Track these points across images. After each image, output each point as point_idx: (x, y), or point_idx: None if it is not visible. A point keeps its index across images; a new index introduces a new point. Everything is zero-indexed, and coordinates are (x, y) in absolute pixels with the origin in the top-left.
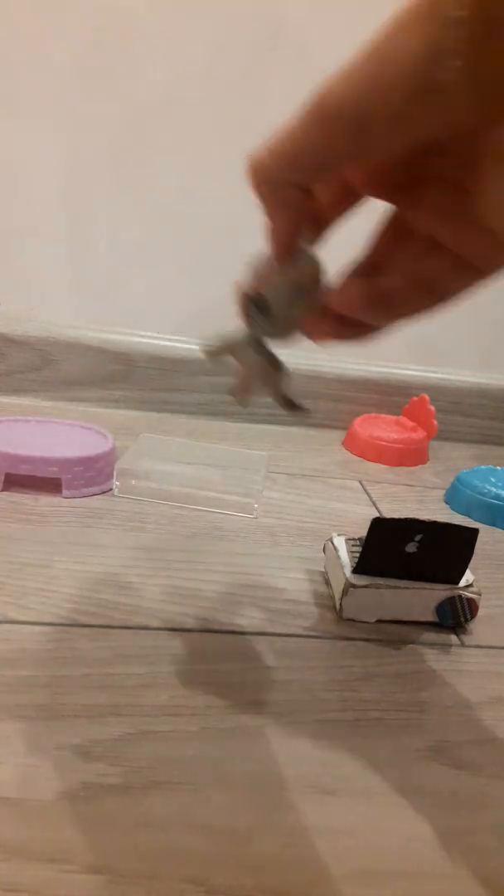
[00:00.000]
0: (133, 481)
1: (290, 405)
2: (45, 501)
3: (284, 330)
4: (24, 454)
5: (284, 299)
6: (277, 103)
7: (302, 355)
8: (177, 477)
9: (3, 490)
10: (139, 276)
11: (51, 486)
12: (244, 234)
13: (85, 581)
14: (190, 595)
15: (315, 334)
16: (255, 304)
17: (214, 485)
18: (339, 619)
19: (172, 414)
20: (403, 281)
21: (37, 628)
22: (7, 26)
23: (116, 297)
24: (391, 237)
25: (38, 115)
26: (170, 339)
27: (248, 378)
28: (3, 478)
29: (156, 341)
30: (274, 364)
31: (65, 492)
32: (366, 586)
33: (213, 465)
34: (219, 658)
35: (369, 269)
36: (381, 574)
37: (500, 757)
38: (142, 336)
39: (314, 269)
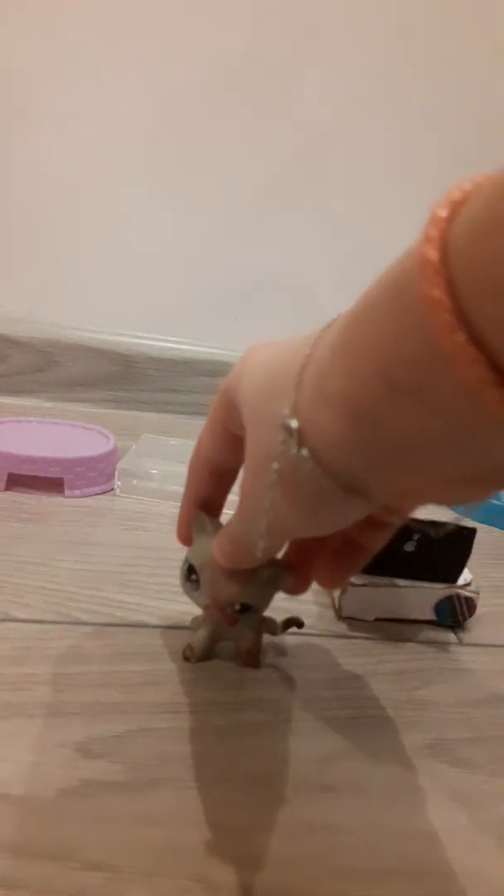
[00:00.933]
0: (134, 481)
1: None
2: (48, 501)
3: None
4: (27, 454)
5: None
6: None
7: None
8: (178, 477)
9: (5, 490)
10: (140, 276)
11: (53, 485)
12: (246, 235)
13: (87, 579)
14: None
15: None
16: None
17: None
18: (338, 618)
19: (173, 414)
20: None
21: (38, 626)
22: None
23: (117, 297)
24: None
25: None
26: (171, 341)
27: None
28: (5, 478)
29: (157, 342)
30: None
31: (67, 491)
32: (364, 585)
33: None
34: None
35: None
36: (380, 573)
37: (498, 755)
38: (143, 337)
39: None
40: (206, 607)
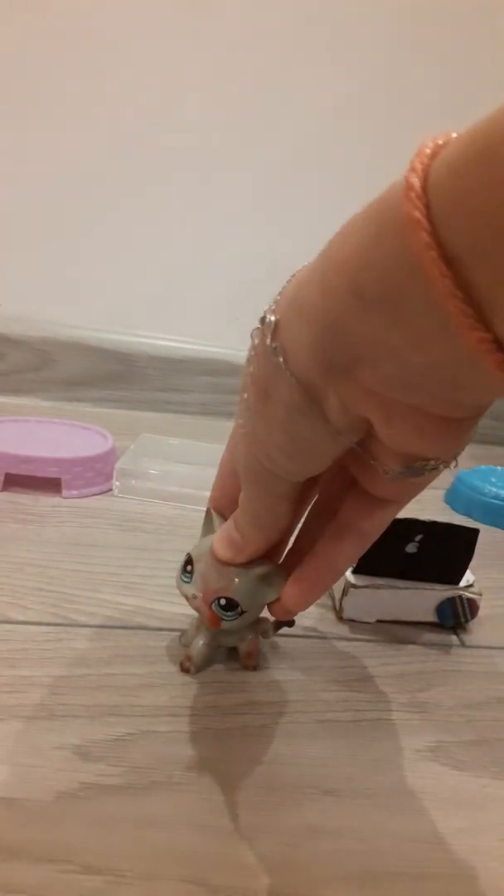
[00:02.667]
0: (133, 481)
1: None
2: (45, 501)
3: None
4: (24, 454)
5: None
6: None
7: None
8: (177, 477)
9: (2, 490)
10: (139, 275)
11: (51, 486)
12: (247, 234)
13: (85, 581)
14: None
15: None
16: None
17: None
18: (339, 620)
19: (173, 414)
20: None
21: (36, 628)
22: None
23: (116, 296)
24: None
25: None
26: (170, 339)
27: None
28: (2, 478)
29: (156, 341)
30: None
31: (65, 492)
32: (366, 586)
33: (213, 465)
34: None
35: (297, 555)
36: (381, 574)
37: (500, 757)
38: (142, 336)
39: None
40: (192, 598)
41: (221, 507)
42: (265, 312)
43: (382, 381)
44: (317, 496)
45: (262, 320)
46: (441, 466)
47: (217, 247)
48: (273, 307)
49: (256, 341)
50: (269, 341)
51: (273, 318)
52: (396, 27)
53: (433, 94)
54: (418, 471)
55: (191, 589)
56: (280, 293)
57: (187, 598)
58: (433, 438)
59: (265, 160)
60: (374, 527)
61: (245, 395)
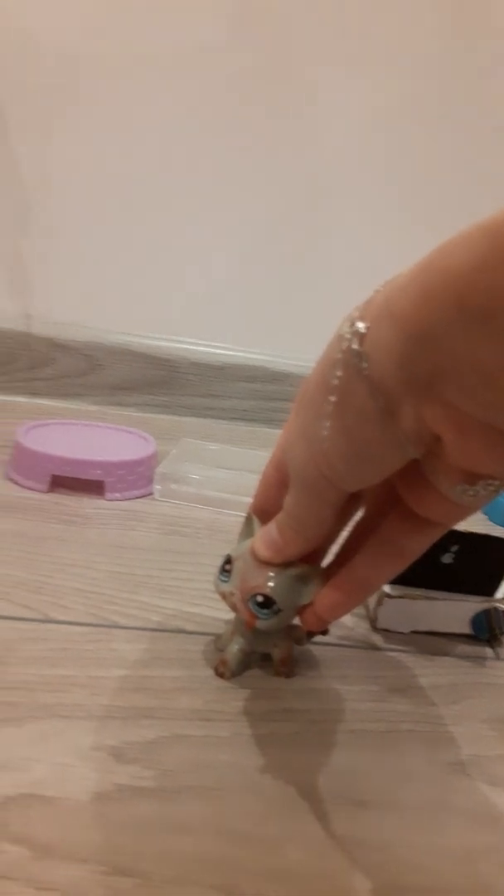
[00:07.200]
0: (173, 485)
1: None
2: (89, 503)
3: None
4: (70, 457)
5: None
6: None
7: None
8: (216, 482)
9: (49, 491)
10: (183, 283)
11: (94, 488)
12: (288, 241)
13: (125, 583)
14: None
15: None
16: (260, 605)
17: (253, 491)
18: (374, 629)
19: (214, 419)
20: (376, 559)
21: (76, 628)
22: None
23: (160, 303)
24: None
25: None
26: (212, 346)
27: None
28: (49, 479)
29: (198, 347)
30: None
31: (107, 494)
32: (400, 597)
33: (252, 471)
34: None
35: (339, 567)
36: (416, 584)
37: None
38: (184, 342)
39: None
40: (229, 594)
41: (262, 512)
42: (353, 318)
43: (464, 397)
44: (362, 512)
45: (350, 325)
46: (501, 488)
47: (260, 253)
48: (360, 314)
49: (342, 345)
50: (355, 346)
51: (363, 325)
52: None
53: None
54: (478, 490)
55: (228, 587)
56: (368, 300)
57: (224, 597)
58: (502, 457)
59: (308, 166)
60: (414, 547)
61: (306, 398)
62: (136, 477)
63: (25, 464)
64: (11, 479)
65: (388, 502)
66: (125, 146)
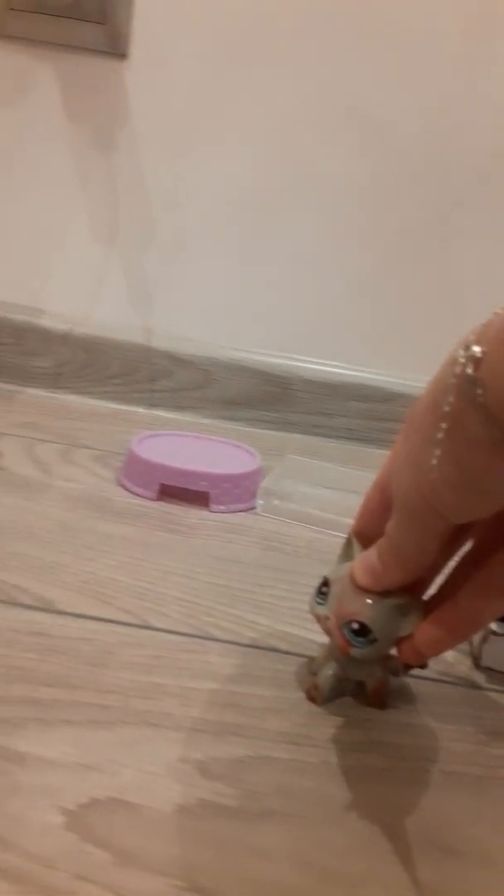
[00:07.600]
0: (276, 501)
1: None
2: (194, 514)
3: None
4: (179, 467)
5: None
6: None
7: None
8: (318, 501)
9: (157, 499)
10: (297, 302)
11: (200, 499)
12: (406, 262)
13: (222, 595)
14: None
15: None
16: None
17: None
18: (476, 667)
19: (322, 437)
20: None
21: (173, 637)
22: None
23: (275, 321)
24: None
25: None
26: (325, 364)
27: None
28: (158, 488)
29: (311, 365)
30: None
31: (212, 506)
32: None
33: (356, 491)
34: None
35: (442, 600)
36: None
37: None
38: (298, 360)
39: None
40: (325, 618)
41: (363, 536)
42: (468, 342)
43: None
44: (470, 545)
45: (466, 348)
46: None
47: (376, 271)
48: (476, 337)
49: (456, 370)
50: (469, 371)
51: (479, 349)
52: None
53: None
54: None
55: (324, 610)
56: (486, 322)
57: (319, 620)
58: None
59: (428, 187)
60: None
61: (416, 423)
62: (241, 491)
63: (136, 471)
64: (122, 486)
65: (498, 536)
66: (252, 166)
